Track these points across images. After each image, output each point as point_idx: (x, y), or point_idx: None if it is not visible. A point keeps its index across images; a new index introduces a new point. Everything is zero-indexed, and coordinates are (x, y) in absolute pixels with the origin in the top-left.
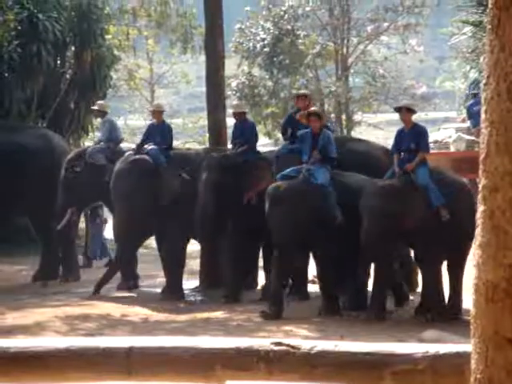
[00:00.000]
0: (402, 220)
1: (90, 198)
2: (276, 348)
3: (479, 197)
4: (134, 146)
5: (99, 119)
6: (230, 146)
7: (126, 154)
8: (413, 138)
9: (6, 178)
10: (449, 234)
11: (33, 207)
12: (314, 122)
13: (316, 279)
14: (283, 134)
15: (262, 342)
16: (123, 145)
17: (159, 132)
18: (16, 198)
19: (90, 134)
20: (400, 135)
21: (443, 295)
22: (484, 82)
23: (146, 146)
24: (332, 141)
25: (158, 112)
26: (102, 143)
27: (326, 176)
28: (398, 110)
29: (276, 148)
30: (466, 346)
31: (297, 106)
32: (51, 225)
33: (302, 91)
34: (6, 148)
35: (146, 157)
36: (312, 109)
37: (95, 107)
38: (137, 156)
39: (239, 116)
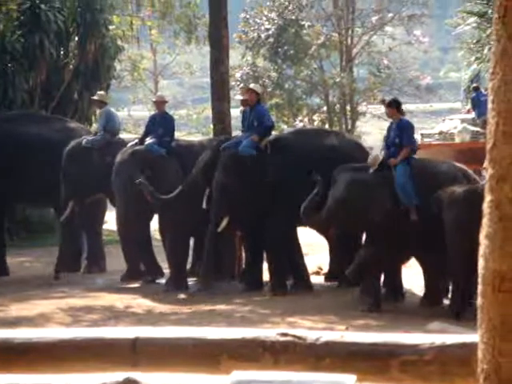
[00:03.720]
0: (366, 214)
1: (89, 190)
2: (282, 339)
3: (486, 187)
4: (137, 137)
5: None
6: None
7: (129, 145)
8: (397, 132)
9: (39, 170)
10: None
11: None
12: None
13: (320, 270)
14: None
15: (267, 332)
16: (126, 136)
17: (161, 123)
18: (47, 190)
19: (94, 124)
20: (389, 130)
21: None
22: (491, 71)
23: (147, 139)
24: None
25: (160, 102)
26: (98, 134)
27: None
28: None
29: None
30: (473, 337)
31: (245, 99)
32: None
33: (253, 85)
34: (38, 138)
35: (146, 148)
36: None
37: (95, 97)
38: (136, 147)
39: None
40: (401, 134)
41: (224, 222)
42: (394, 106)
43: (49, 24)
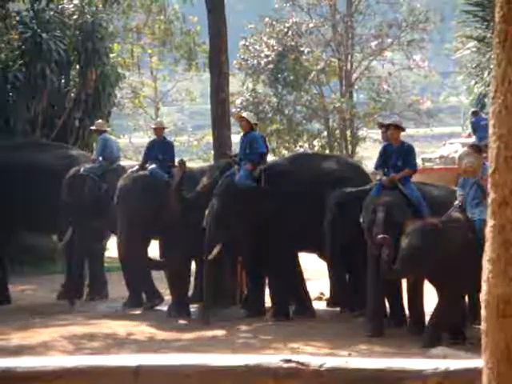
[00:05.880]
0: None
1: (87, 217)
2: (285, 365)
3: (488, 211)
4: (137, 163)
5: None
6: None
7: (129, 171)
8: (400, 155)
9: (43, 197)
10: None
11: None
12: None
13: (322, 295)
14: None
15: (271, 358)
16: (127, 163)
17: (161, 149)
18: (50, 217)
19: (95, 152)
20: (387, 151)
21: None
22: (491, 95)
23: (148, 164)
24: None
25: (159, 129)
26: (97, 161)
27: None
28: (385, 126)
29: None
30: (476, 362)
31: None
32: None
33: (245, 113)
34: (42, 166)
35: (149, 174)
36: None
37: (93, 127)
38: (140, 173)
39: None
40: (406, 157)
41: (216, 250)
42: (401, 129)
43: (50, 53)
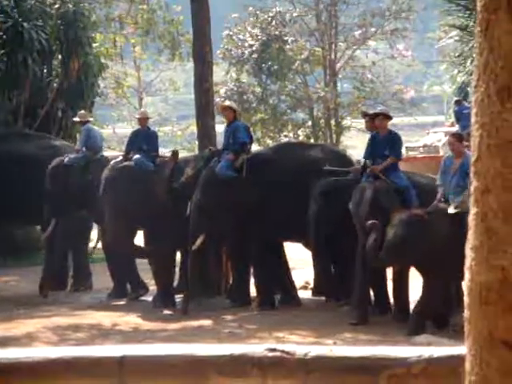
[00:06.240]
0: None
1: (71, 208)
2: (270, 354)
3: (471, 199)
4: (120, 153)
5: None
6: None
7: (113, 161)
8: (387, 144)
9: (26, 188)
10: None
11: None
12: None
13: (308, 285)
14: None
15: (256, 348)
16: (111, 153)
17: (145, 139)
18: (33, 207)
19: (78, 142)
20: (374, 141)
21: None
22: (474, 84)
23: (131, 155)
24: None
25: (143, 119)
26: (80, 152)
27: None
28: (370, 116)
29: None
30: (460, 349)
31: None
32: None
33: (228, 102)
34: (26, 156)
35: (134, 163)
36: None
37: (76, 119)
38: (125, 163)
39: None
40: (392, 146)
41: (199, 240)
42: (388, 118)
43: (32, 42)
